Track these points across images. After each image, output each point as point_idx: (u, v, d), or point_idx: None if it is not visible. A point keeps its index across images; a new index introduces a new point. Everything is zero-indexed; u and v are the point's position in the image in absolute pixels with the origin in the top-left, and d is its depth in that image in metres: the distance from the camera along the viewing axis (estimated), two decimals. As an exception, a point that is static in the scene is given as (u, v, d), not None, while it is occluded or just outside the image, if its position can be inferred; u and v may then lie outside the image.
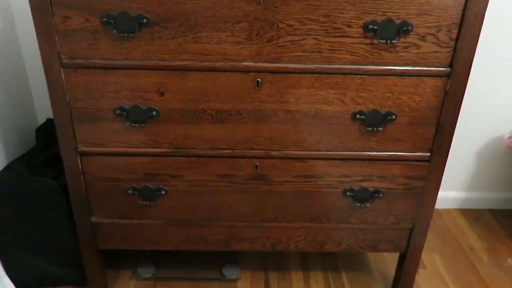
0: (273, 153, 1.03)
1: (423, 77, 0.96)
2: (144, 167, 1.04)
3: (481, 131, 1.58)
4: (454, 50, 0.93)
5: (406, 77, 0.96)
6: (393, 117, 0.99)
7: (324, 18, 0.90)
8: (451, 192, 1.69)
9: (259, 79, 0.95)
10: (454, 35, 0.92)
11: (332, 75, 0.95)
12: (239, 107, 0.98)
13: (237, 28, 0.90)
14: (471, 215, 1.69)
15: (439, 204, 1.70)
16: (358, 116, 0.99)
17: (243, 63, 0.93)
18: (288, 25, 0.90)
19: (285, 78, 0.95)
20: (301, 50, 0.93)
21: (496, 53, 1.43)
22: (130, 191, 1.06)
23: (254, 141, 1.02)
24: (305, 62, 0.94)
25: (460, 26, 0.91)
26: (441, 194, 1.68)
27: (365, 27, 0.90)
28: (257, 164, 1.05)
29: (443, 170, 1.07)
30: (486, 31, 1.39)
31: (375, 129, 1.00)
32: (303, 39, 0.92)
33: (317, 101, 0.98)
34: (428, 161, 1.05)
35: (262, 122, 1.00)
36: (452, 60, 0.94)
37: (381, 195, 1.08)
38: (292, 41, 0.92)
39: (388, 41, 0.91)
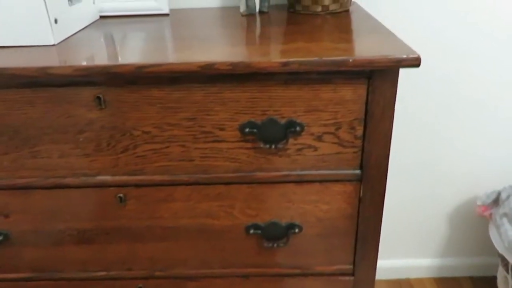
0: (158, 273, 0.84)
1: (327, 183, 0.76)
2: (6, 294, 0.87)
3: (453, 192, 1.35)
4: (362, 150, 0.73)
5: (305, 183, 0.76)
6: (297, 230, 0.79)
7: (188, 122, 0.71)
8: (425, 260, 1.46)
9: (121, 194, 0.77)
10: (359, 133, 0.72)
11: (211, 186, 0.76)
12: (104, 225, 0.79)
13: (81, 139, 0.72)
14: (448, 284, 1.45)
15: (412, 273, 1.48)
16: (253, 230, 0.79)
17: (98, 177, 0.75)
18: (144, 132, 0.71)
19: (154, 191, 0.77)
20: (167, 160, 0.74)
21: (469, 110, 1.21)
22: (-5, 320, 0.89)
23: (132, 261, 0.83)
24: (175, 172, 0.75)
25: (365, 122, 0.71)
26: (414, 262, 1.46)
27: (242, 130, 0.71)
28: (140, 285, 0.86)
29: (373, 282, 0.86)
30: (455, 85, 1.19)
31: (275, 245, 0.80)
32: (166, 147, 0.73)
33: (199, 214, 0.78)
34: (352, 274, 0.85)
35: (136, 241, 0.81)
36: (361, 161, 0.74)
37: (298, 314, 0.88)
38: (153, 149, 0.73)
39: (273, 146, 0.71)
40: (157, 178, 0.75)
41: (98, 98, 0.68)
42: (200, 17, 0.96)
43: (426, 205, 1.37)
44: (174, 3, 1.06)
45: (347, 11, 0.95)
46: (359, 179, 0.75)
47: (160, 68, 0.63)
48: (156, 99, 0.69)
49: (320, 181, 0.75)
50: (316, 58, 0.63)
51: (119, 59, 0.67)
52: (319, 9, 0.91)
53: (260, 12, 0.97)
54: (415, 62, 0.62)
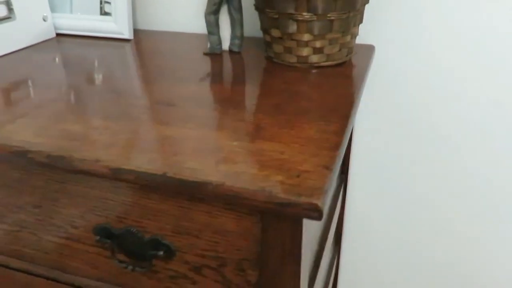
0: None
1: (214, 329, 0.52)
2: None
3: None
4: (259, 302, 0.48)
5: (185, 320, 0.53)
6: None
7: (35, 209, 0.53)
8: None
9: (-19, 269, 0.63)
10: (252, 279, 0.46)
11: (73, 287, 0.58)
12: (-27, 294, 0.67)
13: None
14: None
15: None
16: None
17: (-44, 244, 0.62)
18: (-10, 208, 0.56)
19: (13, 275, 0.61)
20: (21, 245, 0.57)
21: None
22: None
23: (8, 338, 0.70)
24: (32, 261, 0.58)
25: (261, 267, 0.45)
26: None
27: (97, 234, 0.51)
28: None
29: None
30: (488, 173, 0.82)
31: None
32: (18, 230, 0.56)
33: (65, 315, 0.61)
34: None
35: (7, 320, 0.67)
36: (260, 316, 0.49)
37: None
38: (3, 230, 0.57)
39: (130, 267, 0.50)
40: (14, 262, 0.60)
41: None
42: (162, 48, 0.77)
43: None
44: (155, 23, 0.89)
45: (343, 64, 0.67)
46: (259, 338, 0.50)
47: (-32, 145, 0.46)
48: (-4, 174, 0.53)
49: (205, 324, 0.52)
50: (162, 173, 0.40)
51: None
52: (294, 60, 0.65)
53: (231, 51, 0.74)
54: (310, 214, 0.36)
